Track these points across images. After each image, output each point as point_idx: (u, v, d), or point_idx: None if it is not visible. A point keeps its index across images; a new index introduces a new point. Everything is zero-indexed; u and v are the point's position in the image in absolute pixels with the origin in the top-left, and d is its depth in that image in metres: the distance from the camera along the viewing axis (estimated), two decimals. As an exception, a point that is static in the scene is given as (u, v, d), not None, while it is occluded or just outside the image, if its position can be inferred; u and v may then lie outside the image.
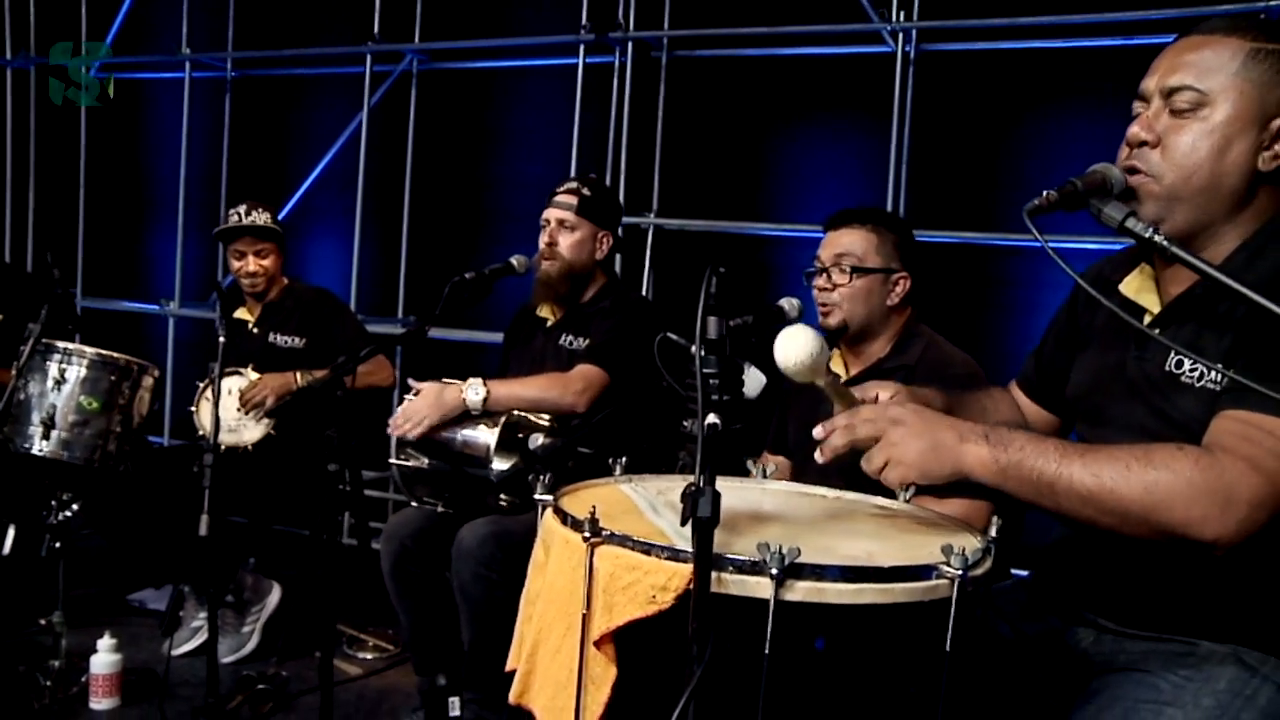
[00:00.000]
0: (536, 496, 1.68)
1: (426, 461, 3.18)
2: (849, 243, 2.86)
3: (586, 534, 1.45)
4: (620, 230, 3.63)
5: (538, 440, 3.09)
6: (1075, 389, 1.88)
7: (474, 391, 3.14)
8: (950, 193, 4.42)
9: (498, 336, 4.67)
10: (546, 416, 3.21)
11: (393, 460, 3.23)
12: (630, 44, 4.77)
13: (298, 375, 3.82)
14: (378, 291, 5.38)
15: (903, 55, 4.38)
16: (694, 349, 1.98)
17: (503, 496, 3.13)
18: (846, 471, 1.73)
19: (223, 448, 3.35)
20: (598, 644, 1.42)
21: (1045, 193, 1.63)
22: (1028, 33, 4.27)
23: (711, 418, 1.45)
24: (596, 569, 1.44)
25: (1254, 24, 1.68)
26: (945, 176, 4.43)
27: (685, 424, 1.65)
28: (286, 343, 4.05)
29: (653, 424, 3.07)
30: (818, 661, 1.41)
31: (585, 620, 1.45)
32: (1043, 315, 4.28)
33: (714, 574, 1.36)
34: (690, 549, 1.37)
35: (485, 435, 3.12)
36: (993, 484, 1.55)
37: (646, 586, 1.39)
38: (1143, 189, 1.65)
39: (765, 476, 2.01)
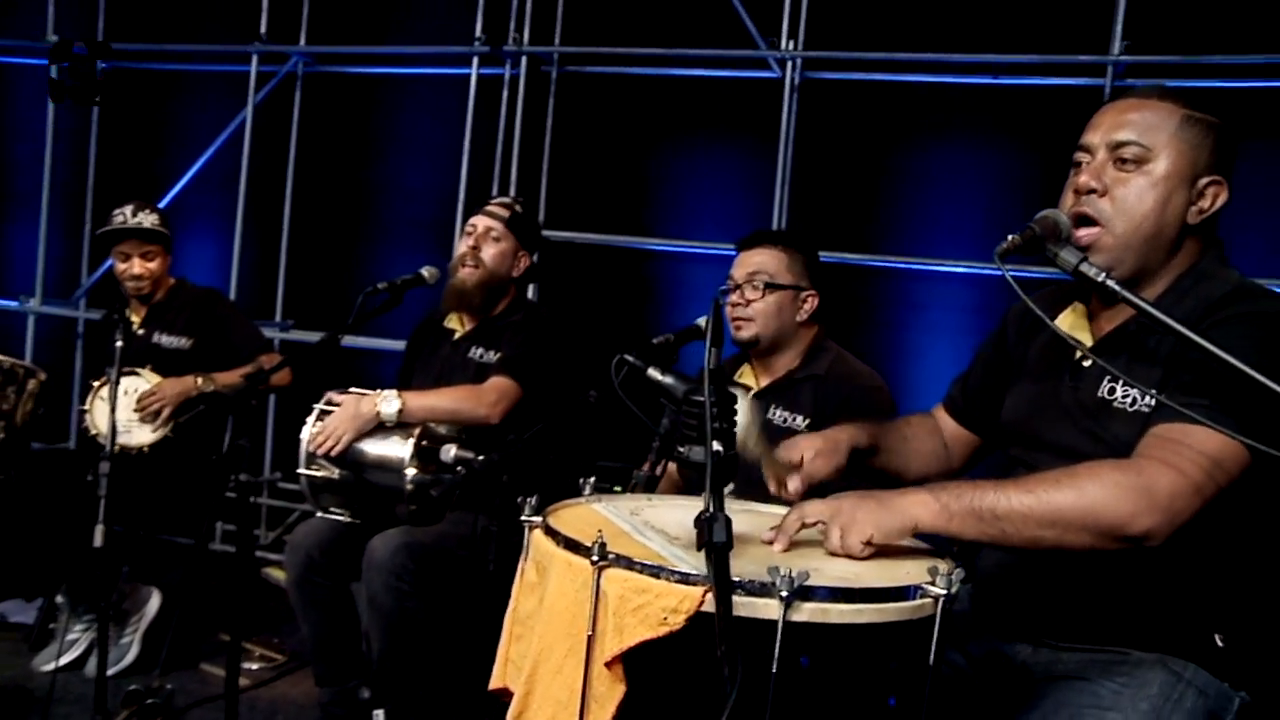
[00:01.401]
0: (524, 518, 1.72)
1: (338, 472, 3.16)
2: (761, 261, 3.00)
3: (595, 557, 1.50)
4: (536, 257, 3.65)
5: (450, 452, 3.10)
6: (1011, 415, 2.03)
7: (388, 403, 3.13)
8: (831, 214, 4.61)
9: (387, 343, 4.66)
10: (444, 428, 3.21)
11: (302, 471, 3.19)
12: (524, 58, 4.82)
13: (197, 379, 3.73)
14: (256, 293, 5.27)
15: (789, 82, 4.55)
16: (651, 373, 2.08)
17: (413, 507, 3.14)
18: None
19: (116, 449, 3.25)
20: (608, 664, 1.48)
21: (1010, 237, 1.76)
22: (907, 67, 4.52)
23: (716, 444, 1.53)
24: (604, 591, 1.50)
25: (1180, 93, 1.87)
26: (826, 199, 4.62)
27: (681, 450, 1.70)
28: (172, 344, 3.94)
29: (573, 439, 3.13)
30: (809, 678, 1.49)
31: (591, 641, 1.50)
32: (916, 333, 4.55)
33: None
34: (696, 571, 1.46)
35: (399, 448, 3.12)
36: (941, 528, 1.66)
37: (658, 609, 1.46)
38: (1098, 242, 1.80)
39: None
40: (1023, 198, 4.48)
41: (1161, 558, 1.63)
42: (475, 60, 4.81)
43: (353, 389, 3.26)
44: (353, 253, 5.26)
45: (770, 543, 1.71)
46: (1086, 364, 1.88)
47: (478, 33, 4.82)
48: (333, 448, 3.10)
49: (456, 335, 3.52)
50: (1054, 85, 4.37)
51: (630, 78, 4.89)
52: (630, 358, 2.24)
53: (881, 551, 1.70)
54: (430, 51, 5.03)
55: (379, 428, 3.15)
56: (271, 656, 4.02)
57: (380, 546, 3.05)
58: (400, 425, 3.15)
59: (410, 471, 3.09)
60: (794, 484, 1.93)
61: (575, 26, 4.89)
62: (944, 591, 1.52)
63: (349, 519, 3.24)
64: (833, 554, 1.67)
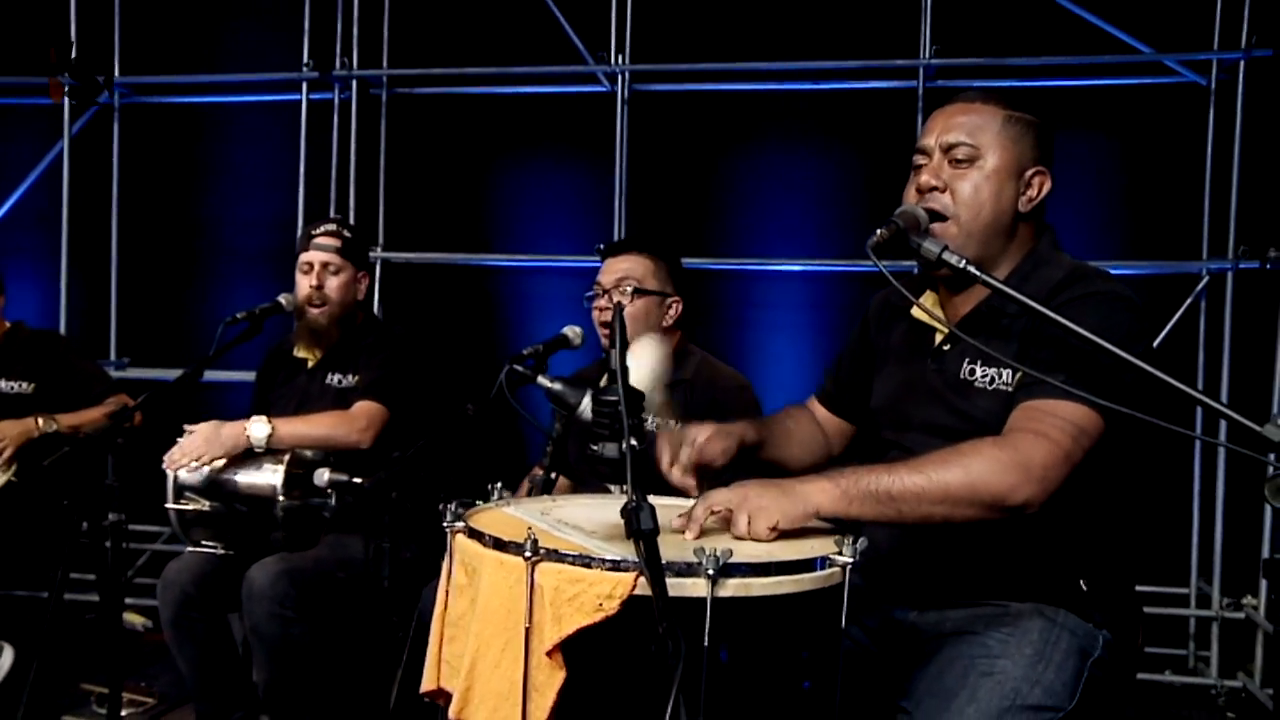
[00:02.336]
0: (445, 524, 1.78)
1: (208, 504, 3.13)
2: (628, 267, 3.11)
3: (527, 554, 1.58)
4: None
5: (324, 476, 3.10)
6: (880, 399, 2.19)
7: (259, 427, 3.12)
8: (669, 221, 4.76)
9: (230, 375, 4.58)
10: (311, 453, 3.21)
11: (170, 505, 3.14)
12: (354, 82, 4.82)
13: (38, 420, 3.61)
14: (87, 332, 5.08)
15: (619, 95, 4.69)
16: (542, 380, 2.17)
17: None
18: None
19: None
20: (549, 653, 1.56)
21: (879, 231, 1.90)
22: (732, 76, 4.72)
23: (633, 440, 1.62)
24: (539, 585, 1.57)
25: (1001, 95, 2.07)
26: (663, 207, 4.78)
27: (594, 447, 1.79)
28: (13, 389, 3.79)
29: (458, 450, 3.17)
30: (730, 665, 1.60)
31: (529, 633, 1.58)
32: (759, 331, 4.74)
33: (652, 578, 1.53)
34: (626, 558, 1.55)
35: (270, 475, 3.12)
36: (841, 511, 1.79)
37: (593, 596, 1.54)
38: (945, 232, 1.97)
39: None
40: (847, 196, 4.75)
41: (1031, 518, 1.80)
42: (304, 86, 4.77)
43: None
44: (188, 286, 5.13)
45: (680, 530, 1.81)
46: (946, 348, 2.06)
47: (305, 58, 4.78)
48: (189, 465, 3.07)
49: (310, 364, 3.51)
50: (871, 88, 4.63)
51: (462, 97, 4.93)
52: (520, 367, 2.32)
53: (798, 533, 1.84)
54: (255, 79, 4.97)
55: (247, 457, 3.14)
56: (141, 701, 3.91)
57: (260, 575, 3.04)
58: (269, 452, 3.14)
59: (283, 498, 3.09)
60: (686, 455, 2.03)
61: (403, 48, 4.90)
62: (850, 560, 1.66)
63: (222, 550, 3.20)
64: (739, 538, 1.79)
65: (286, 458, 3.11)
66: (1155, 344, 3.45)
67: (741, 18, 4.68)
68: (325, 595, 3.11)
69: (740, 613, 1.58)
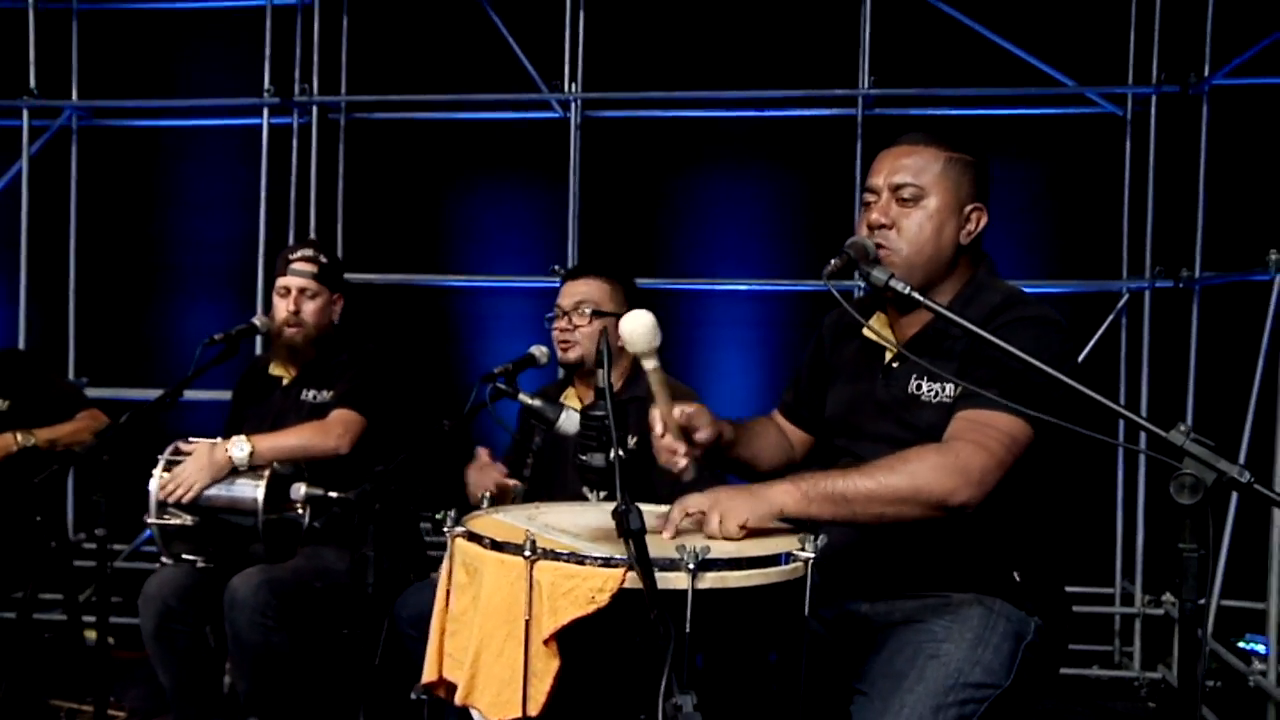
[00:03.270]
0: (446, 529, 1.96)
1: (190, 519, 3.25)
2: (586, 290, 3.29)
3: (527, 553, 1.76)
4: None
5: (300, 490, 3.23)
6: (834, 411, 2.40)
7: (239, 449, 3.24)
8: (620, 243, 4.96)
9: (195, 395, 4.67)
10: (287, 467, 3.34)
11: (152, 520, 3.26)
12: (315, 107, 4.96)
13: (16, 435, 3.70)
14: (45, 352, 5.14)
15: (571, 121, 4.88)
16: (523, 397, 2.35)
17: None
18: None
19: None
20: (545, 642, 1.74)
21: (833, 260, 2.12)
22: (680, 104, 4.93)
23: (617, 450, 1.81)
24: (537, 581, 1.76)
25: (944, 137, 2.29)
26: (615, 229, 4.98)
27: (582, 457, 1.98)
28: (-10, 405, 3.89)
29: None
30: (712, 636, 1.79)
31: (528, 625, 1.76)
32: (706, 349, 4.94)
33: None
34: (615, 556, 1.74)
35: (251, 490, 3.25)
36: (802, 512, 2.00)
37: (586, 590, 1.73)
38: (886, 261, 2.19)
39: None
40: (790, 218, 4.99)
41: (969, 517, 2.01)
42: (265, 111, 4.90)
43: (192, 439, 3.36)
44: (147, 306, 5.23)
45: (659, 531, 2.00)
46: (895, 365, 2.27)
47: (266, 84, 4.91)
48: (185, 496, 3.19)
49: (285, 381, 3.64)
50: (812, 116, 4.88)
51: (419, 122, 5.09)
52: (503, 384, 2.49)
53: (763, 533, 2.04)
54: (216, 104, 5.09)
55: (229, 472, 3.26)
56: (113, 715, 3.99)
57: (242, 585, 3.16)
58: (250, 468, 3.27)
59: (264, 512, 3.22)
60: (677, 415, 2.18)
61: (362, 75, 5.05)
62: (812, 555, 1.86)
63: (204, 563, 3.32)
64: (710, 537, 1.98)
65: (267, 473, 3.25)
66: (1081, 358, 3.72)
67: (690, 48, 4.91)
68: (304, 604, 3.24)
69: (716, 603, 1.77)
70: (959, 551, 2.17)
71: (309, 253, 3.61)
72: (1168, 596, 4.49)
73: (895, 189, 2.23)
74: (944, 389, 2.16)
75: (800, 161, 4.93)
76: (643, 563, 1.68)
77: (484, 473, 3.10)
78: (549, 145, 4.93)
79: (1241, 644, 4.14)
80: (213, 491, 3.24)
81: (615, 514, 1.71)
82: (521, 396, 2.47)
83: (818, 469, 2.10)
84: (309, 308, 3.54)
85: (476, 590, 1.86)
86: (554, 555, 1.77)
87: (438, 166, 5.11)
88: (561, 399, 3.36)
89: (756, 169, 5.02)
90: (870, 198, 2.28)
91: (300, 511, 3.28)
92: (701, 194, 5.02)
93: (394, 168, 5.11)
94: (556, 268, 4.77)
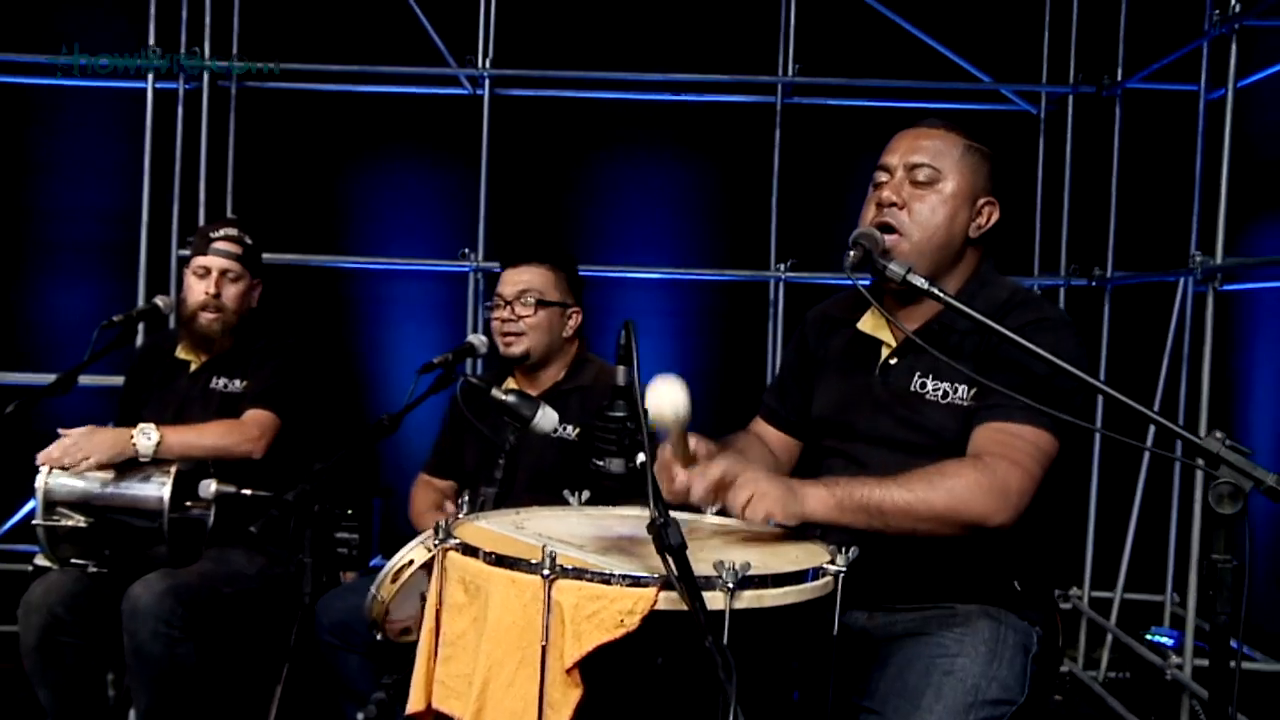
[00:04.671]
0: (436, 542, 1.76)
1: (83, 519, 2.95)
2: (530, 279, 3.10)
3: (546, 572, 1.58)
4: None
5: (210, 488, 2.98)
6: (823, 409, 2.27)
7: (146, 436, 2.97)
8: (531, 226, 4.78)
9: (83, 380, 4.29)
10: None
11: (39, 522, 2.95)
12: (205, 72, 4.61)
13: None
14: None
15: (481, 98, 4.66)
16: (495, 393, 2.16)
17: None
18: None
19: None
20: (568, 671, 1.56)
21: (851, 253, 2.00)
22: (595, 84, 4.76)
23: (641, 456, 1.65)
24: (557, 602, 1.58)
25: (963, 125, 2.20)
26: (526, 212, 4.79)
27: (597, 462, 1.80)
28: None
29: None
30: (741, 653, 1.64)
31: (545, 651, 1.58)
32: (609, 336, 4.77)
33: (672, 593, 1.57)
34: (646, 574, 1.58)
35: (156, 487, 2.98)
36: (832, 519, 1.87)
37: (614, 612, 1.56)
38: (897, 247, 2.08)
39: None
40: (705, 206, 4.88)
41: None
42: (150, 75, 4.52)
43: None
44: (16, 283, 4.79)
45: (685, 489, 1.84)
46: (893, 361, 2.16)
47: (151, 43, 4.52)
48: (70, 463, 2.91)
49: (193, 367, 3.35)
50: (730, 102, 4.76)
51: (319, 94, 4.79)
52: (475, 379, 2.30)
53: (755, 537, 1.90)
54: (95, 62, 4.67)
55: (127, 467, 2.98)
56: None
57: (144, 592, 2.88)
58: (153, 463, 2.99)
59: (169, 511, 2.95)
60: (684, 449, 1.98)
61: (257, 40, 4.71)
62: (843, 569, 1.74)
63: (96, 568, 3.03)
64: (726, 510, 1.83)
65: (172, 470, 2.98)
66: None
67: (607, 27, 4.74)
68: (212, 612, 2.99)
69: (750, 622, 1.62)
70: (964, 561, 2.07)
71: (233, 232, 3.32)
72: (1075, 591, 4.55)
73: (911, 169, 2.12)
74: (955, 389, 2.06)
75: (717, 148, 4.83)
76: (688, 583, 1.52)
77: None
78: (458, 124, 4.71)
79: (1150, 637, 4.22)
80: (111, 489, 2.96)
81: (652, 527, 1.55)
82: (494, 392, 2.28)
83: (808, 473, 1.97)
84: (230, 292, 3.26)
85: (479, 612, 1.67)
86: (577, 574, 1.60)
87: (338, 142, 4.82)
88: (503, 391, 3.18)
89: (672, 155, 4.89)
90: (883, 177, 2.16)
91: (207, 510, 3.02)
92: (615, 178, 4.87)
93: (291, 141, 4.79)
94: (466, 251, 4.55)
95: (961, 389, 2.05)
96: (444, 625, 1.75)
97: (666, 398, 1.77)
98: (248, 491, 2.92)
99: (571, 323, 3.15)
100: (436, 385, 2.82)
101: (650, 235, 4.82)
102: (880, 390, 2.16)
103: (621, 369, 1.74)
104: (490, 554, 1.68)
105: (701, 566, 1.59)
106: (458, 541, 1.75)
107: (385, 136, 4.86)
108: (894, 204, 2.11)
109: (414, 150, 4.89)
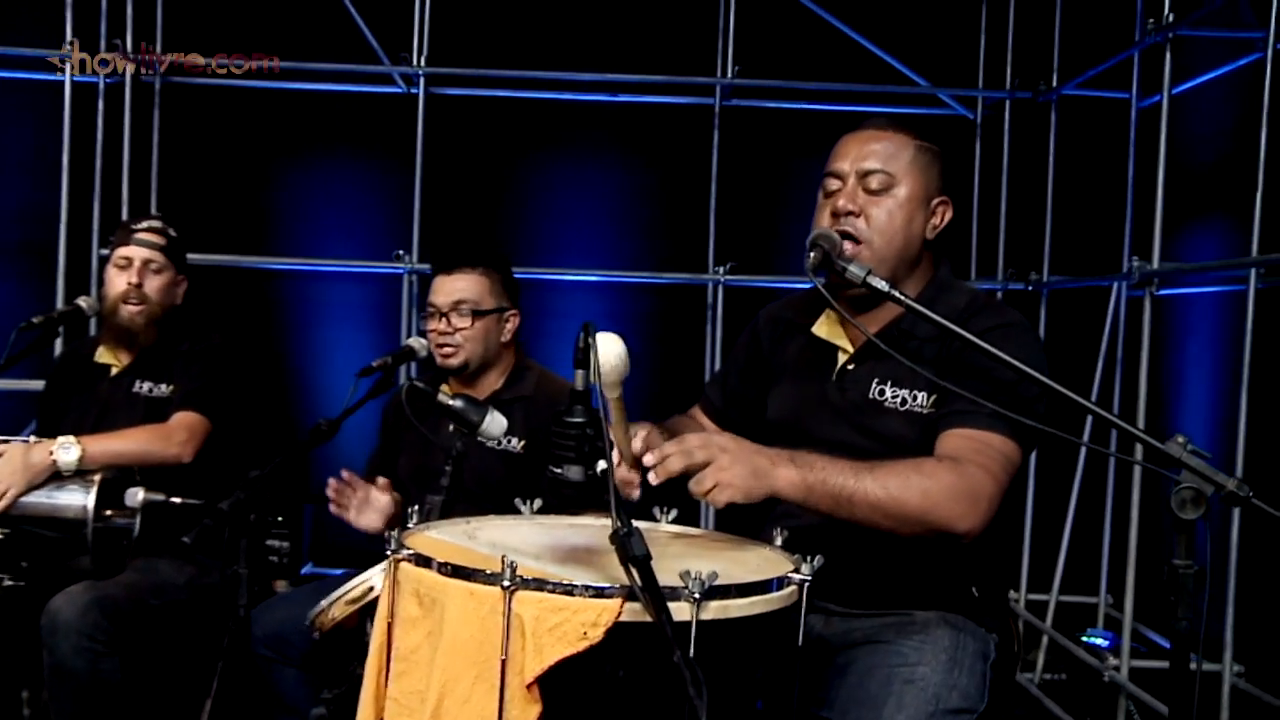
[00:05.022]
0: (390, 552, 1.69)
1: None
2: (464, 287, 2.97)
3: (505, 583, 1.52)
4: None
5: (137, 496, 2.86)
6: (778, 414, 2.22)
7: (66, 450, 2.84)
8: (465, 227, 4.70)
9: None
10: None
11: (-48, 533, 2.81)
12: (129, 67, 4.45)
13: None
14: None
15: (416, 97, 4.56)
16: (442, 398, 2.09)
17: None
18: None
19: None
20: (528, 686, 1.50)
21: (811, 254, 1.95)
22: (531, 84, 4.69)
23: (601, 464, 1.59)
24: (518, 614, 1.51)
25: (908, 124, 2.16)
26: (460, 212, 4.70)
27: (555, 470, 1.72)
28: None
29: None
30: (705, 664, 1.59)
31: (504, 665, 1.52)
32: (557, 341, 4.72)
33: (636, 605, 1.51)
34: (609, 584, 1.52)
35: (79, 496, 2.85)
36: (799, 500, 1.81)
37: (576, 625, 1.50)
38: (859, 256, 2.04)
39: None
40: (641, 208, 4.83)
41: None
42: (68, 67, 4.35)
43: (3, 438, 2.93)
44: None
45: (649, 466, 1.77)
46: (851, 367, 2.12)
47: (68, 35, 4.36)
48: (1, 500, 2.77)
49: (115, 371, 3.22)
50: (669, 103, 4.72)
51: (247, 90, 4.64)
52: (419, 383, 2.22)
53: (714, 544, 1.87)
54: (9, 53, 4.48)
55: (52, 477, 2.85)
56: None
57: (66, 606, 2.75)
58: (77, 473, 2.86)
59: (93, 520, 2.83)
60: (637, 443, 1.88)
61: (181, 33, 4.56)
62: (808, 578, 1.69)
63: (11, 581, 2.89)
64: (692, 490, 1.76)
65: (97, 477, 2.85)
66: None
67: (544, 26, 4.68)
68: (138, 625, 2.87)
69: (715, 633, 1.57)
70: (922, 567, 2.04)
71: (156, 224, 3.21)
72: (1012, 594, 4.57)
73: (863, 175, 2.08)
74: (914, 397, 2.02)
75: (652, 150, 4.79)
76: (653, 594, 1.46)
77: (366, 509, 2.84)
78: (392, 123, 4.63)
79: (1085, 639, 4.25)
80: (30, 499, 2.84)
81: (614, 537, 1.49)
82: (441, 397, 2.20)
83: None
84: (153, 283, 3.14)
85: (434, 625, 1.60)
86: (538, 584, 1.53)
87: (269, 139, 4.69)
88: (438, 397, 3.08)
89: (610, 156, 4.84)
90: (834, 184, 2.12)
91: (132, 518, 2.90)
92: (552, 179, 4.80)
93: (218, 138, 4.66)
94: (400, 253, 4.45)
95: (921, 396, 2.01)
96: (396, 639, 1.67)
97: (609, 349, 1.70)
98: (177, 499, 2.81)
99: (509, 326, 3.06)
100: (376, 389, 2.73)
101: (588, 237, 4.76)
102: (837, 397, 2.11)
103: (580, 373, 1.67)
104: (445, 565, 1.61)
105: (665, 576, 1.54)
106: (410, 552, 1.68)
107: (317, 135, 4.74)
108: (850, 212, 2.07)
109: (347, 149, 4.79)
